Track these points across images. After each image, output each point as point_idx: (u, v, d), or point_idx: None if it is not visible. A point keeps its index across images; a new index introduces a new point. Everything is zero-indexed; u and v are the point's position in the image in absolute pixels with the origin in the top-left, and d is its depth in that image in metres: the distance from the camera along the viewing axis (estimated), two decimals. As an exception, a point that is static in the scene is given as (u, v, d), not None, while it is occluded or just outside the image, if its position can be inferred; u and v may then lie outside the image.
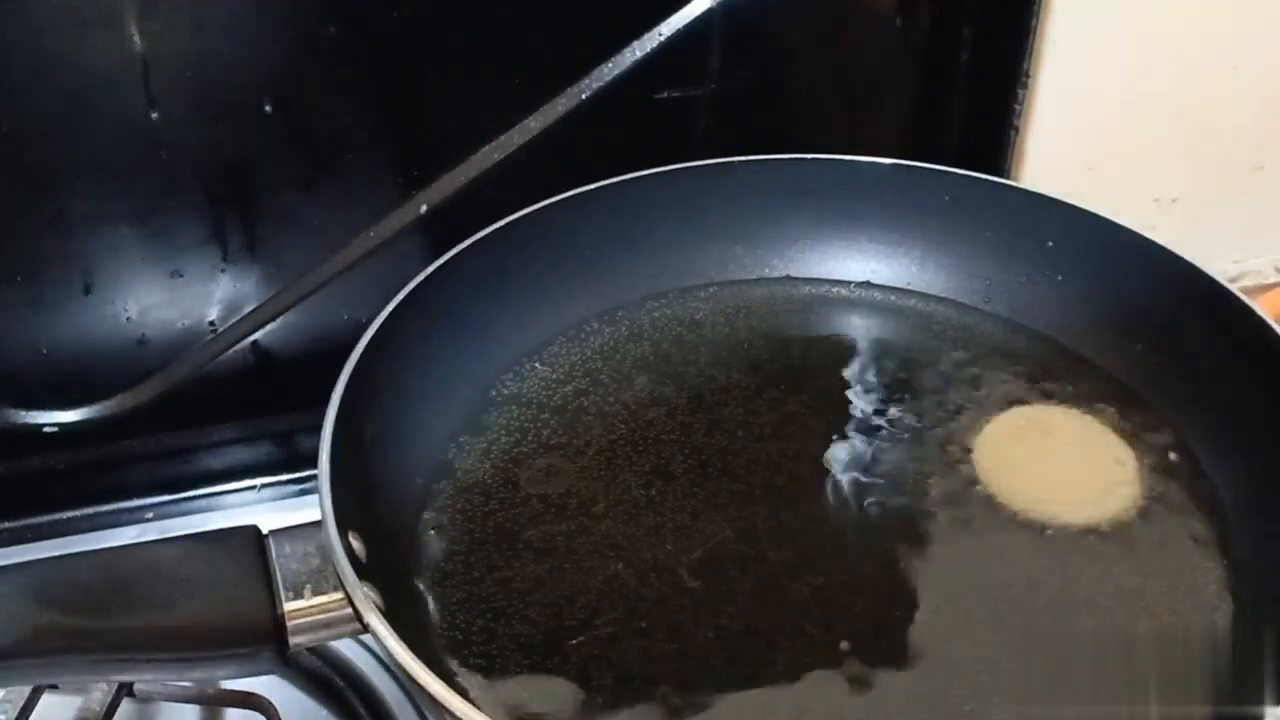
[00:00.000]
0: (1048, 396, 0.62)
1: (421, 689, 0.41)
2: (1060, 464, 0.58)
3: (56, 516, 0.74)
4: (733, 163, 0.69)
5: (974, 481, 0.57)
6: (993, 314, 0.67)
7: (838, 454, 0.59)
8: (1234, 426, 0.57)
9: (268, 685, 0.61)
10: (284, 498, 0.76)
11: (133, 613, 0.45)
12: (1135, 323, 0.62)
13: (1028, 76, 0.76)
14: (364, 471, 0.52)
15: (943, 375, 0.63)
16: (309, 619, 0.46)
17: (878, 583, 0.52)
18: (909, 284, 0.70)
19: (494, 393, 0.63)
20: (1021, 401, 0.61)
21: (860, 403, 0.62)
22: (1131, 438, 0.59)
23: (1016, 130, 0.78)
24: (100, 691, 0.59)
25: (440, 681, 0.41)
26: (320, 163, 0.70)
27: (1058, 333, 0.65)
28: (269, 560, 0.47)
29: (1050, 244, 0.66)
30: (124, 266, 0.69)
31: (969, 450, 0.58)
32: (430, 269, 0.60)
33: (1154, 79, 0.80)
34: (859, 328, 0.67)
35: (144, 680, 0.60)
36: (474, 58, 0.69)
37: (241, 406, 0.75)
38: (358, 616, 0.44)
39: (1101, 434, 0.59)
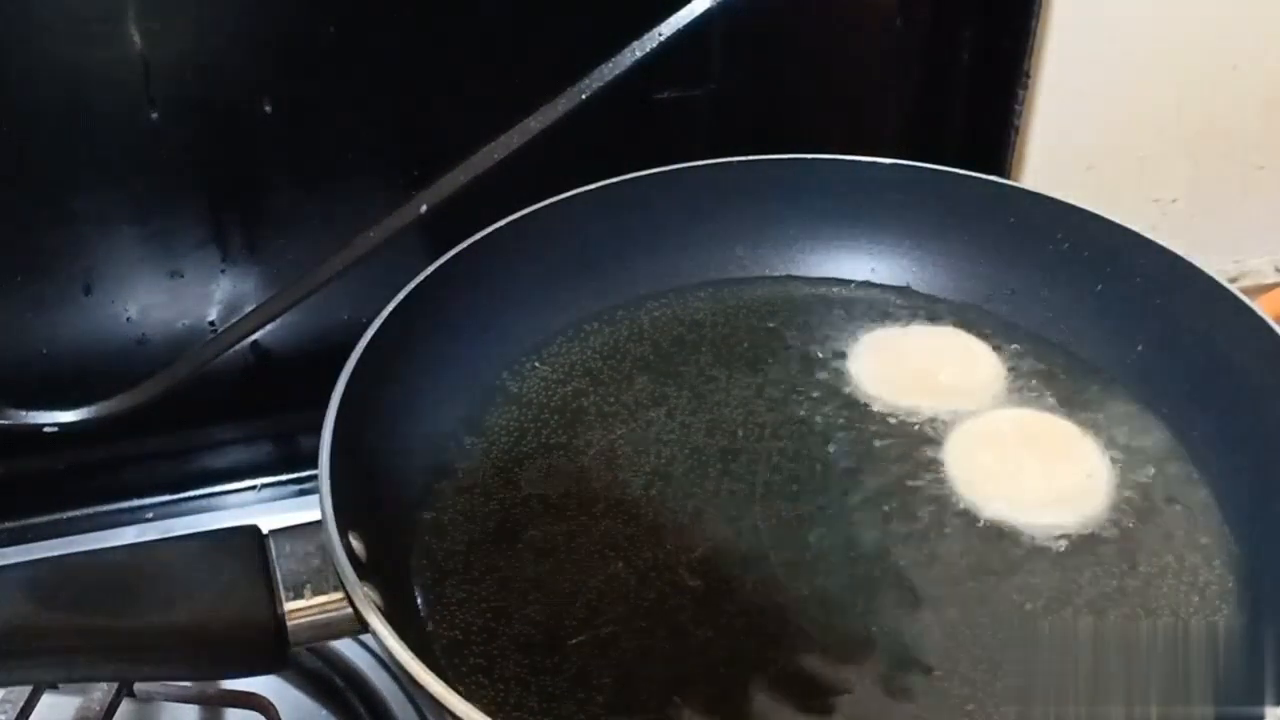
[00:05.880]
0: (1045, 397, 0.62)
1: (421, 689, 0.41)
2: (1029, 468, 0.58)
3: (56, 516, 0.74)
4: (733, 163, 0.69)
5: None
6: (992, 313, 0.67)
7: (837, 455, 0.59)
8: (1233, 426, 0.57)
9: (268, 685, 0.61)
10: (284, 498, 0.76)
11: (133, 613, 0.45)
12: (1135, 322, 0.62)
13: (1028, 76, 0.76)
14: (364, 471, 0.52)
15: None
16: (309, 619, 0.46)
17: (877, 584, 0.52)
18: (909, 284, 0.70)
19: (494, 392, 0.63)
20: (1018, 401, 0.62)
21: (862, 403, 0.62)
22: (1125, 440, 0.59)
23: (1016, 130, 0.78)
24: (100, 691, 0.59)
25: (440, 681, 0.41)
26: (320, 163, 0.70)
27: (1058, 332, 0.65)
28: (269, 560, 0.47)
29: (1050, 244, 0.66)
30: (124, 266, 0.69)
31: (950, 451, 0.59)
32: (430, 269, 0.60)
33: (1154, 79, 0.80)
34: (859, 327, 0.67)
35: (144, 680, 0.60)
36: (474, 58, 0.69)
37: (241, 406, 0.75)
38: (358, 616, 0.44)
39: (1079, 440, 0.59)
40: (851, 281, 0.70)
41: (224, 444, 0.78)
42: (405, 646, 0.42)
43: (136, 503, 0.75)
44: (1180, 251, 0.60)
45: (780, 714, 0.47)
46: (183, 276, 0.70)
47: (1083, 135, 0.81)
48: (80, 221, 0.67)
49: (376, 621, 0.43)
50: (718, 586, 0.52)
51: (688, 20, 0.68)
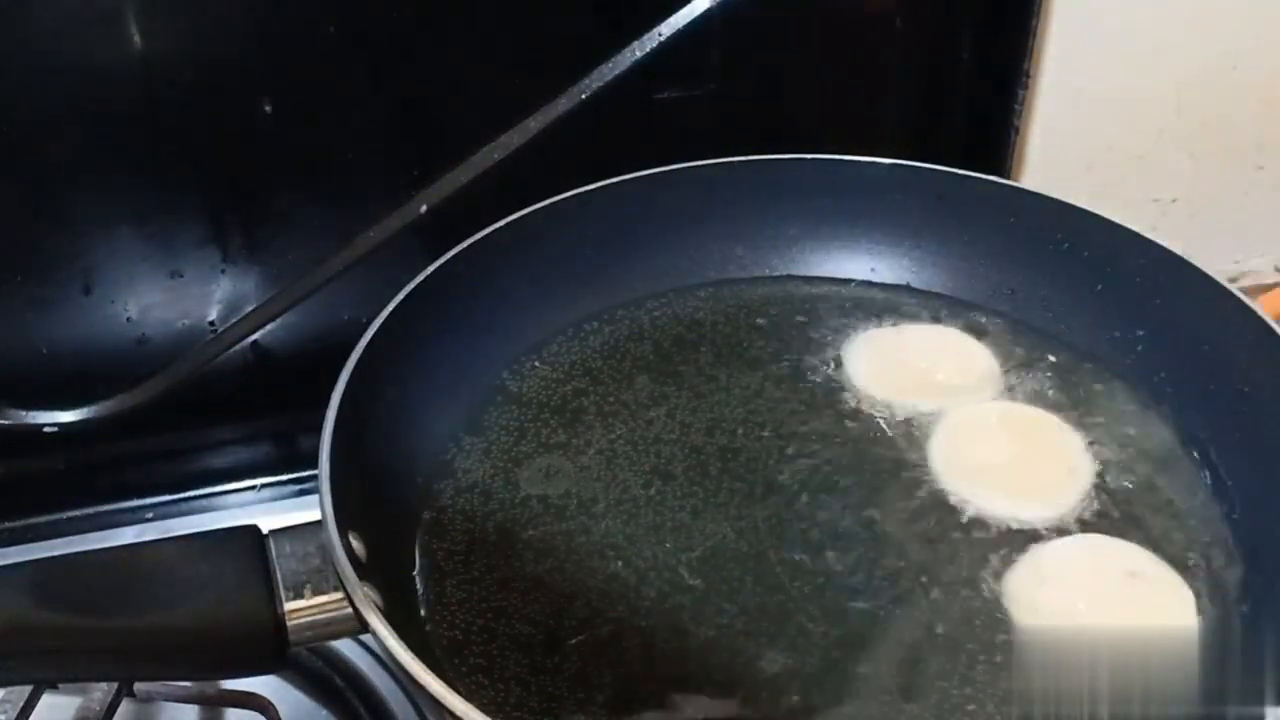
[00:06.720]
0: (1044, 396, 0.62)
1: (421, 689, 0.41)
2: (1015, 462, 0.58)
3: (56, 516, 0.74)
4: (733, 163, 0.69)
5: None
6: (992, 313, 0.67)
7: (835, 454, 0.59)
8: (1233, 426, 0.57)
9: (268, 685, 0.61)
10: (284, 498, 0.76)
11: (133, 613, 0.45)
12: (1135, 322, 0.62)
13: (1028, 76, 0.76)
14: (364, 472, 0.52)
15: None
16: (309, 619, 0.46)
17: (877, 583, 0.52)
18: (908, 283, 0.70)
19: (494, 392, 0.63)
20: (1015, 400, 0.62)
21: (860, 401, 0.62)
22: (1124, 439, 0.59)
23: (1016, 130, 0.78)
24: (100, 691, 0.59)
25: (440, 681, 0.41)
26: (320, 163, 0.70)
27: (1057, 332, 0.65)
28: (269, 560, 0.47)
29: (1050, 244, 0.66)
30: (124, 266, 0.69)
31: (940, 445, 0.59)
32: (430, 269, 0.60)
33: (1154, 79, 0.80)
34: (859, 327, 0.67)
35: (144, 680, 0.60)
36: (474, 58, 0.69)
37: (241, 406, 0.75)
38: (358, 616, 0.44)
39: (1064, 434, 0.59)
40: (851, 281, 0.70)
41: (224, 444, 0.78)
42: (405, 646, 0.42)
43: (136, 503, 0.75)
44: (1180, 251, 0.60)
45: (781, 714, 0.47)
46: (183, 276, 0.70)
47: (1083, 135, 0.81)
48: (80, 221, 0.67)
49: (376, 621, 0.43)
50: (718, 586, 0.52)
51: (688, 20, 0.68)
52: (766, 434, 0.60)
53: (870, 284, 0.70)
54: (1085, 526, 0.54)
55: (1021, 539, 0.54)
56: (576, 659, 0.49)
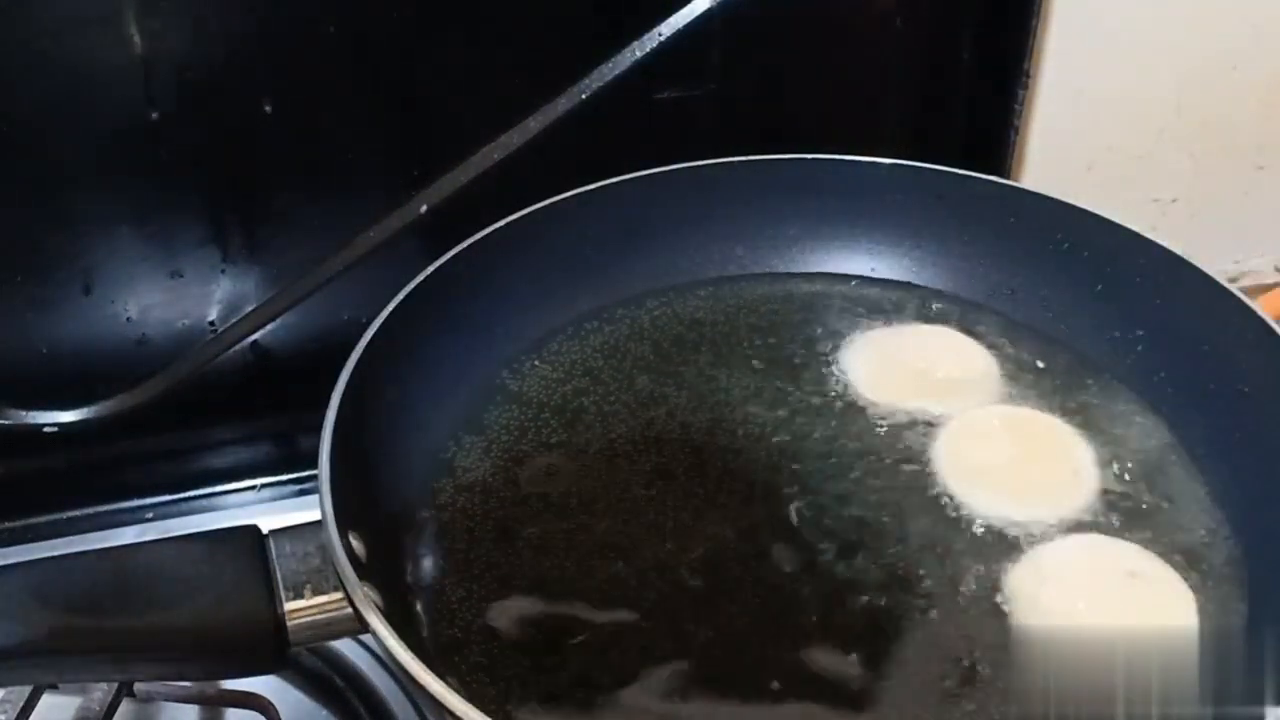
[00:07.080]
0: (1043, 396, 0.62)
1: (421, 689, 0.41)
2: (1017, 465, 0.58)
3: (56, 516, 0.74)
4: (733, 163, 0.69)
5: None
6: (992, 313, 0.67)
7: (835, 453, 0.59)
8: (1233, 426, 0.57)
9: (268, 685, 0.61)
10: (284, 498, 0.76)
11: (133, 613, 0.45)
12: (1135, 322, 0.62)
13: (1028, 76, 0.76)
14: (364, 471, 0.52)
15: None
16: (309, 619, 0.46)
17: (878, 583, 0.52)
18: (909, 283, 0.70)
19: (494, 392, 0.63)
20: (1015, 400, 0.62)
21: (860, 401, 0.62)
22: (1124, 440, 0.59)
23: (1016, 130, 0.78)
24: (100, 691, 0.59)
25: (440, 681, 0.41)
26: (320, 163, 0.70)
27: (1057, 332, 0.65)
28: (269, 560, 0.47)
29: (1050, 244, 0.66)
30: (124, 266, 0.69)
31: (943, 448, 0.59)
32: (430, 269, 0.60)
33: (1154, 79, 0.80)
34: (858, 326, 0.67)
35: (144, 680, 0.60)
36: (474, 58, 0.69)
37: (241, 406, 0.75)
38: (358, 616, 0.44)
39: (1067, 436, 0.59)
40: (851, 280, 0.70)
41: (224, 444, 0.78)
42: (405, 646, 0.42)
43: (136, 503, 0.75)
44: (1180, 251, 0.60)
45: (781, 713, 0.47)
46: (183, 276, 0.70)
47: (1083, 135, 0.81)
48: (80, 221, 0.67)
49: (376, 621, 0.43)
50: (719, 585, 0.52)
51: (688, 20, 0.68)
52: (767, 434, 0.60)
53: (870, 283, 0.70)
54: (1085, 527, 0.54)
55: (1022, 539, 0.54)
56: (577, 659, 0.49)
